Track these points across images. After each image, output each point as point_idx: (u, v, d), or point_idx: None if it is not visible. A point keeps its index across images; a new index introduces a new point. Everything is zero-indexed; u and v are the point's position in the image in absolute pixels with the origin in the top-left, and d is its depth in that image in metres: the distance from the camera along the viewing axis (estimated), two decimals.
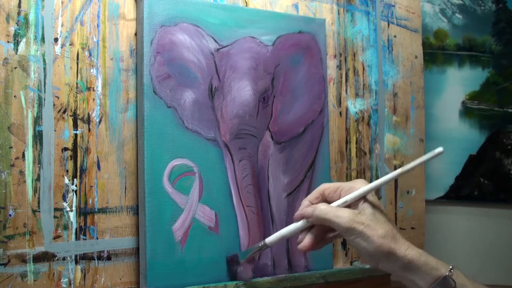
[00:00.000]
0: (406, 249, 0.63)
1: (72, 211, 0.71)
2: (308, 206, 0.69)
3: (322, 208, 0.66)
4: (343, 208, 0.66)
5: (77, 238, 0.72)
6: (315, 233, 0.68)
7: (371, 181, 0.98)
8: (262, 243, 0.73)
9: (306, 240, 0.68)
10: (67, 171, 0.71)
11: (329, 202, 0.69)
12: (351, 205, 0.67)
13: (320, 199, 0.70)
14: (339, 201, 0.67)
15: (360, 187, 0.67)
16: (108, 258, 0.74)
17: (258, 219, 0.82)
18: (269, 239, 0.72)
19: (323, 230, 0.69)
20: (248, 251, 0.77)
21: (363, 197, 0.66)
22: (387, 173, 1.03)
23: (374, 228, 0.63)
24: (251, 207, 0.81)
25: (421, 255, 0.64)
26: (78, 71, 0.73)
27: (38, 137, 0.70)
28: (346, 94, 0.97)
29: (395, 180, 1.02)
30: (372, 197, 0.67)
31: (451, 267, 0.64)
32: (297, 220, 0.70)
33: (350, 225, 0.63)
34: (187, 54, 0.79)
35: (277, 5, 0.91)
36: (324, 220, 0.66)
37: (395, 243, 0.63)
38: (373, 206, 0.66)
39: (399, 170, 0.67)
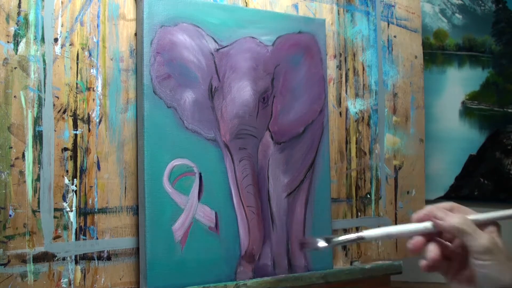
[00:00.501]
0: None
1: (72, 211, 0.71)
2: (438, 210, 0.60)
3: (462, 218, 0.58)
4: (479, 230, 0.58)
5: (77, 238, 0.71)
6: (440, 246, 0.60)
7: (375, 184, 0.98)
8: (358, 236, 0.61)
9: (432, 254, 0.59)
10: (67, 171, 0.71)
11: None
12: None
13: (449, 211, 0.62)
14: (482, 215, 0.60)
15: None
16: (108, 258, 0.74)
17: (258, 219, 0.82)
18: (368, 233, 0.61)
19: (442, 246, 0.60)
20: (336, 240, 0.63)
21: (498, 229, 0.59)
22: (387, 173, 1.04)
23: (509, 259, 0.56)
24: (251, 207, 0.81)
25: None
26: (78, 71, 0.73)
27: (38, 137, 0.70)
28: (346, 94, 0.97)
29: (395, 180, 1.02)
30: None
31: None
32: (418, 221, 0.61)
33: (492, 247, 0.56)
34: (187, 54, 0.79)
35: (277, 5, 0.91)
36: (462, 230, 0.57)
37: None
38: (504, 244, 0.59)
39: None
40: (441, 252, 0.59)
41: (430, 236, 0.60)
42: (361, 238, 0.61)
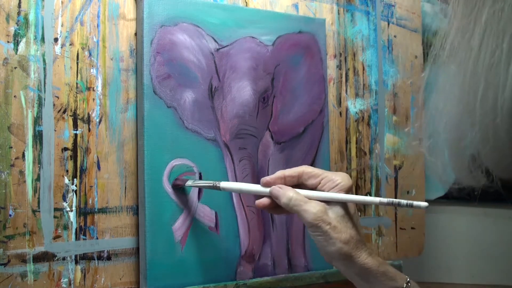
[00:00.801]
0: (366, 258, 0.63)
1: (72, 211, 0.71)
2: (281, 179, 0.68)
3: (291, 196, 0.64)
4: (313, 201, 0.64)
5: (77, 238, 0.72)
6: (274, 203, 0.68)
7: (371, 184, 0.98)
8: (215, 184, 0.71)
9: (265, 200, 0.68)
10: (67, 171, 0.71)
11: (304, 185, 0.68)
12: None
13: (296, 178, 0.68)
14: (312, 193, 0.66)
15: (342, 182, 0.65)
16: (108, 258, 0.74)
17: (258, 219, 0.82)
18: (225, 184, 0.71)
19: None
20: (196, 183, 0.75)
21: (342, 192, 0.65)
22: (387, 173, 1.04)
23: (340, 230, 0.62)
24: (251, 207, 0.81)
25: (380, 265, 0.63)
26: (78, 71, 0.73)
27: (38, 137, 0.70)
28: (346, 94, 0.97)
29: (395, 179, 1.02)
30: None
31: (408, 279, 0.64)
32: (264, 185, 0.69)
33: (316, 223, 0.62)
34: (187, 54, 0.79)
35: (277, 5, 0.91)
36: (291, 209, 0.65)
37: (356, 250, 0.62)
38: (346, 207, 0.64)
39: (386, 200, 0.65)
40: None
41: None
42: (217, 187, 0.71)
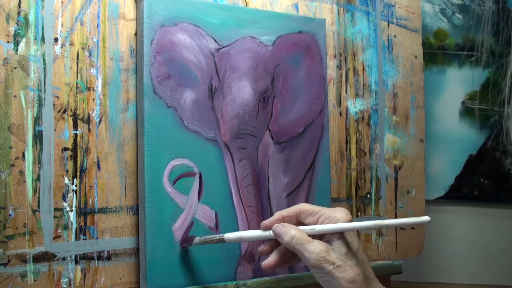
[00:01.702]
0: None
1: (72, 211, 0.71)
2: (280, 221, 0.67)
3: (293, 235, 0.63)
4: (315, 241, 0.62)
5: (77, 238, 0.72)
6: (282, 252, 0.66)
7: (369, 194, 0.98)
8: (219, 237, 0.70)
9: (271, 259, 0.66)
10: (67, 171, 0.71)
11: (302, 224, 0.67)
12: (325, 238, 0.64)
13: (294, 218, 0.67)
14: (311, 227, 0.64)
15: (341, 217, 0.64)
16: (108, 258, 0.74)
17: (258, 219, 0.82)
18: (228, 236, 0.70)
19: (289, 252, 0.66)
20: (203, 239, 0.74)
21: (341, 233, 0.63)
22: (387, 173, 1.04)
23: (344, 270, 0.60)
24: (251, 207, 0.81)
25: None
26: (78, 71, 0.73)
27: (38, 137, 0.70)
28: (346, 94, 0.97)
29: (395, 179, 1.02)
30: (350, 233, 0.64)
31: None
32: (264, 229, 0.68)
33: (319, 264, 0.60)
34: (187, 54, 0.79)
35: (277, 5, 0.91)
36: (293, 248, 0.63)
37: (363, 286, 0.61)
38: (348, 244, 0.63)
39: (387, 221, 0.65)
40: (290, 256, 0.66)
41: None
42: (221, 240, 0.70)
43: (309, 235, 0.64)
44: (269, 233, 0.67)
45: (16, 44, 0.69)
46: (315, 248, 0.61)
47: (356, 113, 0.98)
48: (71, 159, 0.72)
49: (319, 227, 0.64)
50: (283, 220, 0.67)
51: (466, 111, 1.31)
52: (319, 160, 0.89)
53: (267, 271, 0.67)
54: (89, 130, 0.73)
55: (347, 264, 0.61)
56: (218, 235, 0.71)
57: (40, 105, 0.70)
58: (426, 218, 0.62)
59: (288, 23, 0.88)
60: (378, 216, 0.99)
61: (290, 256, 0.67)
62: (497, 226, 1.28)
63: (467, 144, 1.29)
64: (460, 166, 1.29)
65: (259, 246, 0.69)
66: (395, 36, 1.04)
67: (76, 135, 0.72)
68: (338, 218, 0.64)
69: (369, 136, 0.99)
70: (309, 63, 0.89)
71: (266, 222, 0.68)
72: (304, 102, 0.88)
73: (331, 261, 0.61)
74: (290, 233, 0.63)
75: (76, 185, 0.72)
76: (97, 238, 0.73)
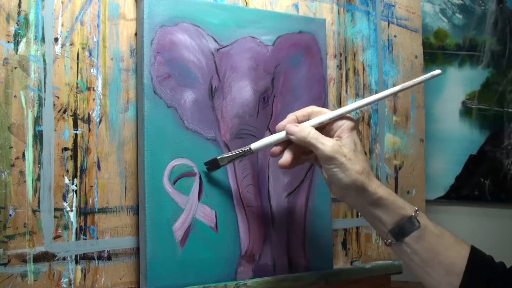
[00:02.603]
0: (378, 187, 0.67)
1: (72, 211, 0.71)
2: (294, 121, 0.71)
3: (308, 131, 0.68)
4: (328, 137, 0.68)
5: (77, 238, 0.72)
6: (293, 151, 0.71)
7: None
8: (248, 148, 0.74)
9: (287, 157, 0.71)
10: (67, 171, 0.71)
11: None
12: (334, 136, 0.69)
13: (307, 117, 0.72)
14: (323, 117, 0.70)
15: (348, 120, 0.70)
16: (108, 258, 0.74)
17: (258, 219, 0.82)
18: (255, 145, 0.74)
19: (300, 150, 0.71)
20: (230, 156, 0.76)
21: (350, 130, 0.69)
22: (387, 173, 1.04)
23: (354, 162, 0.66)
24: (251, 207, 0.81)
25: (390, 194, 0.68)
26: (78, 71, 0.73)
27: (38, 137, 0.70)
28: (346, 94, 0.97)
29: (395, 179, 1.02)
30: (355, 135, 0.69)
31: (416, 208, 0.68)
32: (279, 131, 0.72)
33: (333, 155, 0.66)
34: (187, 54, 0.79)
35: (277, 5, 0.91)
36: (308, 143, 0.68)
37: (368, 180, 0.67)
38: (356, 143, 0.68)
39: (385, 92, 0.72)
40: (301, 152, 0.72)
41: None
42: (249, 151, 0.74)
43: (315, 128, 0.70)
44: (285, 134, 0.71)
45: (16, 44, 0.69)
46: (329, 141, 0.67)
47: (356, 113, 0.98)
48: (71, 159, 0.72)
49: (330, 113, 0.70)
50: (296, 120, 0.72)
51: (466, 111, 1.31)
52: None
53: (284, 168, 0.71)
54: (89, 130, 0.73)
55: (356, 158, 0.67)
56: (244, 147, 0.74)
57: (40, 105, 0.70)
58: (437, 71, 0.70)
59: (288, 23, 0.88)
60: None
61: (299, 155, 0.72)
62: (497, 226, 1.28)
63: (467, 144, 1.29)
64: (460, 166, 1.29)
65: (272, 153, 0.73)
66: (395, 36, 1.04)
67: (76, 135, 0.72)
68: (345, 120, 0.70)
69: (369, 136, 0.99)
70: (309, 63, 0.89)
71: (281, 124, 0.72)
72: (304, 102, 0.88)
73: (343, 153, 0.67)
74: (305, 129, 0.69)
75: (76, 185, 0.72)
76: (97, 238, 0.73)
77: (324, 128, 0.71)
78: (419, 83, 0.71)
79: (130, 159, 0.76)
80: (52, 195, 0.70)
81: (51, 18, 0.71)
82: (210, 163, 0.77)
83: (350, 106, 0.71)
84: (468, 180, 1.28)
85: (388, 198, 0.67)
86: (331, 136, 0.70)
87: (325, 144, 0.67)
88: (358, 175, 0.66)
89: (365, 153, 0.98)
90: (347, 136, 0.68)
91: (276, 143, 0.72)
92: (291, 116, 0.72)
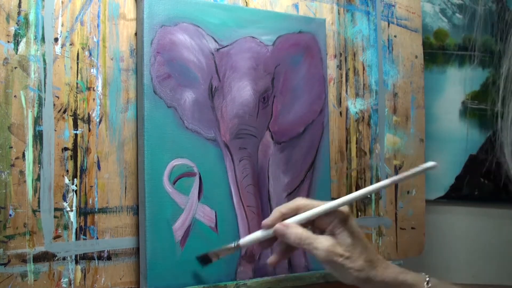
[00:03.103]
0: (383, 273, 0.64)
1: (72, 211, 0.71)
2: (280, 218, 0.68)
3: (298, 233, 0.65)
4: (321, 236, 0.65)
5: (77, 238, 0.72)
6: (280, 247, 0.69)
7: (371, 182, 0.98)
8: (235, 244, 0.71)
9: (276, 257, 0.69)
10: (67, 171, 0.71)
11: None
12: (328, 230, 0.66)
13: (294, 213, 0.69)
14: (311, 212, 0.66)
15: (339, 211, 0.66)
16: (108, 258, 0.74)
17: (258, 219, 0.82)
18: (243, 241, 0.71)
19: (289, 246, 0.68)
20: (218, 250, 0.74)
21: (342, 223, 0.65)
22: (387, 173, 1.04)
23: (353, 259, 0.63)
24: (251, 207, 0.81)
25: (398, 275, 0.65)
26: (78, 71, 0.73)
27: (38, 137, 0.70)
28: (346, 94, 0.97)
29: None
30: (352, 222, 0.66)
31: (427, 279, 0.65)
32: (265, 228, 0.69)
33: (329, 259, 0.63)
34: (187, 54, 0.79)
35: (277, 5, 0.91)
36: (300, 246, 0.65)
37: (371, 270, 0.64)
38: (352, 234, 0.65)
39: (378, 184, 0.68)
40: (290, 248, 0.68)
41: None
42: (237, 246, 0.71)
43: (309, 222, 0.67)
44: (271, 231, 0.68)
45: (16, 44, 0.69)
46: (323, 244, 0.64)
47: (356, 113, 0.98)
48: (71, 159, 0.72)
49: (317, 209, 0.66)
50: (282, 217, 0.69)
51: (466, 111, 1.30)
52: (319, 160, 0.89)
53: (273, 267, 0.70)
54: (89, 130, 0.73)
55: (355, 253, 0.64)
56: (233, 243, 0.72)
57: (40, 105, 0.70)
58: (432, 163, 0.65)
59: (288, 23, 0.88)
60: (378, 216, 0.99)
61: (289, 248, 0.69)
62: (497, 226, 1.28)
63: (467, 144, 1.29)
64: (460, 166, 1.29)
65: (268, 259, 0.71)
66: (395, 36, 1.04)
67: (76, 135, 0.72)
68: (335, 215, 0.66)
69: (369, 136, 0.99)
70: (309, 63, 0.89)
71: (267, 222, 0.69)
72: (304, 102, 0.88)
73: (339, 253, 0.64)
74: (293, 231, 0.66)
75: (76, 185, 0.72)
76: (97, 238, 0.73)
77: (315, 220, 0.67)
78: (411, 176, 0.66)
79: (130, 159, 0.76)
80: (52, 195, 0.70)
81: (51, 18, 0.71)
82: (201, 259, 0.75)
83: (339, 200, 0.67)
84: (468, 180, 1.28)
85: (396, 281, 0.64)
86: (324, 229, 0.66)
87: (318, 248, 0.64)
88: (358, 273, 0.63)
89: (368, 152, 0.98)
90: (340, 231, 0.65)
91: (263, 239, 0.70)
92: (276, 213, 0.69)
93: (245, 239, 0.72)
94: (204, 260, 0.75)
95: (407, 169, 1.03)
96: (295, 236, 0.65)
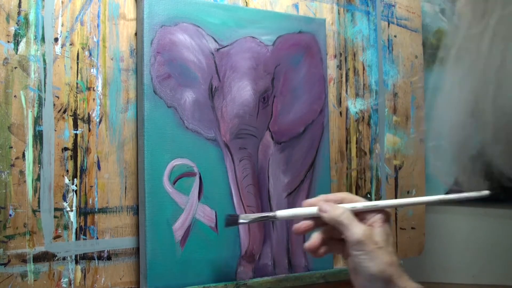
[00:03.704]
0: (406, 282, 0.62)
1: (72, 211, 0.71)
2: (323, 199, 0.67)
3: (342, 211, 0.64)
4: (360, 223, 0.64)
5: (77, 238, 0.72)
6: (322, 234, 0.66)
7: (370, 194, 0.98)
8: (273, 214, 0.68)
9: (315, 240, 0.66)
10: (67, 171, 0.71)
11: None
12: (370, 223, 0.65)
13: (339, 202, 0.67)
14: (361, 204, 0.66)
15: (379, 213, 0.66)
16: (108, 258, 0.74)
17: None
18: (281, 213, 0.68)
19: (329, 235, 0.66)
20: (253, 217, 0.70)
21: (383, 221, 0.65)
22: (387, 173, 1.04)
23: (384, 252, 0.62)
24: (251, 207, 0.81)
25: None
26: (78, 71, 0.73)
27: (38, 137, 0.70)
28: (346, 94, 0.97)
29: (395, 179, 1.02)
30: (388, 227, 0.65)
31: None
32: (306, 205, 0.67)
33: (363, 239, 0.62)
34: (187, 54, 0.79)
35: (277, 5, 0.91)
36: (339, 222, 0.64)
37: (397, 274, 0.62)
38: (389, 233, 0.65)
39: (433, 197, 0.66)
40: (328, 237, 0.66)
41: (320, 221, 0.66)
42: (274, 217, 0.68)
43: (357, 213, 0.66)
44: (317, 210, 0.66)
45: (16, 44, 0.69)
46: (361, 228, 0.63)
47: (356, 113, 0.98)
48: (71, 159, 0.72)
49: (371, 203, 0.66)
50: (326, 200, 0.68)
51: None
52: (319, 160, 0.89)
53: (309, 252, 0.67)
54: (89, 130, 0.73)
55: (388, 248, 0.63)
56: (270, 213, 0.69)
57: (40, 105, 0.70)
58: (486, 192, 0.65)
59: (288, 23, 0.88)
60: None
61: (328, 241, 0.67)
62: (497, 226, 1.28)
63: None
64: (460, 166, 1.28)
65: (296, 230, 0.67)
66: (395, 36, 1.04)
67: (76, 135, 0.72)
68: (377, 213, 0.66)
69: (369, 136, 0.99)
70: (309, 63, 0.89)
71: (310, 200, 0.67)
72: (304, 102, 0.88)
73: (375, 241, 0.62)
74: (338, 208, 0.65)
75: (76, 185, 0.72)
76: (97, 238, 0.73)
77: (357, 216, 0.66)
78: (464, 199, 0.66)
79: (130, 159, 0.76)
80: (52, 195, 0.70)
81: (51, 18, 0.71)
82: (229, 219, 0.72)
83: (389, 201, 0.67)
84: (468, 180, 1.28)
85: None
86: (364, 222, 0.65)
87: (358, 226, 0.63)
88: (387, 266, 0.61)
89: (368, 152, 0.98)
90: (379, 225, 0.64)
91: (303, 217, 0.67)
92: (320, 197, 0.67)
93: (284, 212, 0.68)
94: (232, 220, 0.71)
95: (407, 169, 1.03)
96: (337, 213, 0.64)
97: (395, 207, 0.66)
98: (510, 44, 0.43)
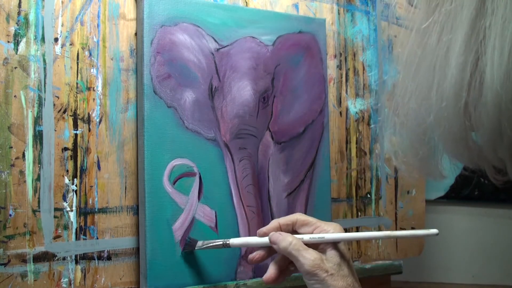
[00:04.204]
0: None
1: (72, 211, 0.71)
2: (277, 228, 0.69)
3: (290, 241, 0.65)
4: (311, 249, 0.65)
5: (77, 238, 0.72)
6: (279, 264, 0.68)
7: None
8: (225, 242, 0.72)
9: (271, 272, 0.67)
10: (67, 171, 0.71)
11: (297, 233, 0.68)
12: (319, 248, 0.66)
13: (291, 227, 0.69)
14: (308, 236, 0.66)
15: (334, 231, 0.66)
16: (108, 258, 0.74)
17: (258, 219, 0.82)
18: (234, 241, 0.72)
19: (286, 261, 0.68)
20: (206, 244, 0.75)
21: (334, 244, 0.65)
22: (387, 173, 1.04)
23: (336, 278, 0.63)
24: (251, 207, 0.81)
25: None
26: (78, 71, 0.73)
27: (38, 137, 0.70)
28: (346, 94, 0.97)
29: (395, 180, 1.02)
30: (342, 246, 0.66)
31: None
32: (260, 235, 0.70)
33: (313, 270, 0.62)
34: (187, 54, 0.79)
35: (277, 5, 0.91)
36: (288, 254, 0.65)
37: None
38: (341, 255, 0.65)
39: (382, 233, 0.68)
40: (284, 264, 0.68)
41: (273, 249, 0.68)
42: (226, 245, 0.72)
43: (305, 244, 0.66)
44: (267, 238, 0.69)
45: (16, 44, 0.69)
46: (311, 255, 0.64)
47: (356, 113, 0.98)
48: (71, 159, 0.72)
49: (318, 235, 0.66)
50: (280, 227, 0.69)
51: None
52: (319, 160, 0.89)
53: (269, 284, 0.68)
54: (89, 130, 0.73)
55: (340, 273, 0.63)
56: (222, 240, 0.73)
57: (40, 105, 0.70)
58: (434, 230, 0.64)
59: (288, 23, 0.88)
60: (378, 216, 0.99)
61: (286, 266, 0.69)
62: (497, 226, 1.28)
63: None
64: (460, 166, 1.29)
65: (250, 259, 0.71)
66: (395, 36, 1.04)
67: (76, 135, 0.72)
68: (332, 232, 0.67)
69: (369, 136, 0.99)
70: (309, 63, 0.89)
71: (263, 230, 0.70)
72: (304, 102, 0.88)
73: (325, 268, 0.63)
74: (288, 239, 0.66)
75: (76, 185, 0.72)
76: (97, 238, 0.73)
77: (312, 233, 0.68)
78: (411, 236, 0.67)
79: (130, 159, 0.76)
80: (52, 195, 0.70)
81: (51, 18, 0.71)
82: (187, 244, 0.75)
83: (334, 235, 0.66)
84: (468, 180, 1.28)
85: None
86: (316, 248, 0.66)
87: (306, 257, 0.63)
88: None
89: (368, 152, 0.98)
90: (330, 250, 0.65)
91: (256, 246, 0.70)
92: (274, 223, 0.69)
93: (237, 240, 0.72)
94: (189, 245, 0.75)
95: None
96: (287, 242, 0.65)
97: (341, 241, 0.67)
98: (454, 36, 0.44)
